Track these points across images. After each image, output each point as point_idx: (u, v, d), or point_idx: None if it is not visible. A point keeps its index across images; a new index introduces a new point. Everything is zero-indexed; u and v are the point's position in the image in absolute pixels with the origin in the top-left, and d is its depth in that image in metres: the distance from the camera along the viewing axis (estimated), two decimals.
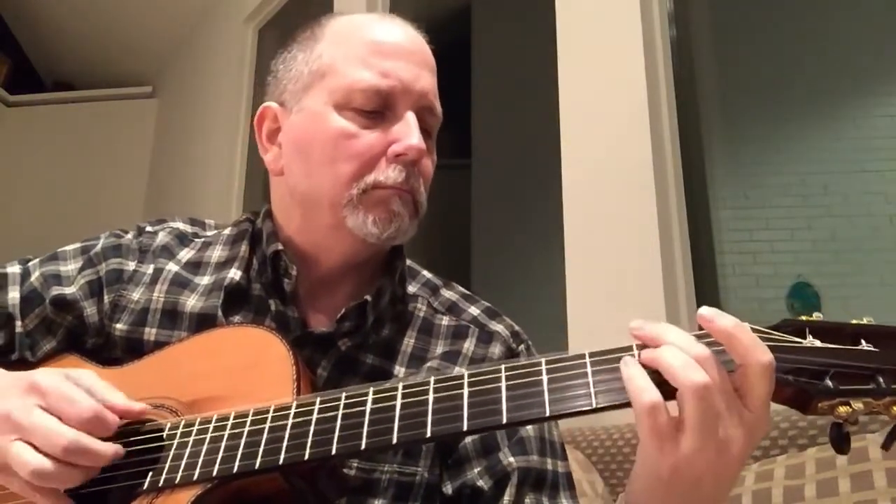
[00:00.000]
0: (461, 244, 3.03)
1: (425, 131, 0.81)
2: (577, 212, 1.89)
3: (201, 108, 3.98)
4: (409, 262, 0.92)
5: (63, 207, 4.34)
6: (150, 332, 0.82)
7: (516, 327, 0.90)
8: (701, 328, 0.58)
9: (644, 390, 0.54)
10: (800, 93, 2.20)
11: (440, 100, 0.85)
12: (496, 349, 0.85)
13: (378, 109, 0.79)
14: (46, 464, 0.62)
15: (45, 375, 0.67)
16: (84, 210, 4.30)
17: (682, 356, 0.55)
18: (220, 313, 0.81)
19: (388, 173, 0.78)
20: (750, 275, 2.09)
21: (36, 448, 0.62)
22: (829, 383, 0.55)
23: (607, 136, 1.88)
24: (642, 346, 0.59)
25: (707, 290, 1.79)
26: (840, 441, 0.56)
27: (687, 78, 1.98)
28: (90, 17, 4.41)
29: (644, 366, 0.56)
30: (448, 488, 0.79)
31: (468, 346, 0.85)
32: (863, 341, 0.58)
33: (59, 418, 0.64)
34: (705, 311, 0.57)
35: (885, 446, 0.57)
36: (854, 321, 0.60)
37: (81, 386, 0.67)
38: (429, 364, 0.83)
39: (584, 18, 2.04)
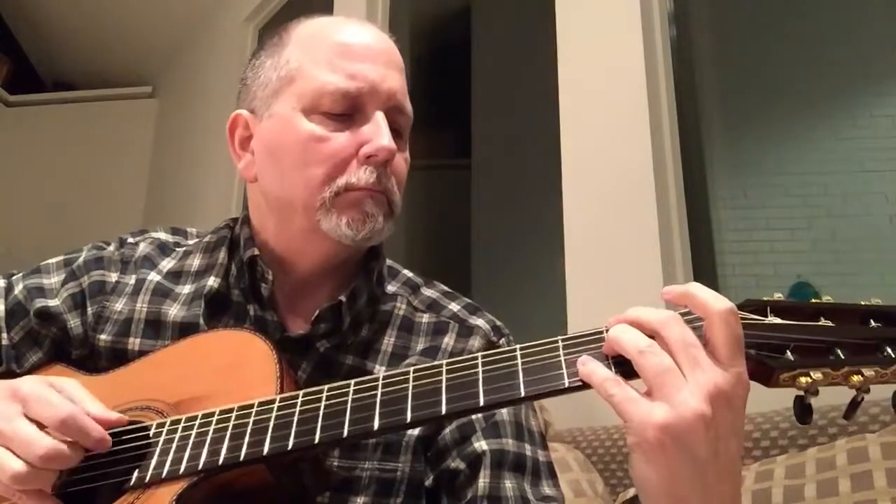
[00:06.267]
0: (461, 244, 3.03)
1: (396, 131, 0.82)
2: (577, 212, 1.89)
3: (201, 108, 3.97)
4: (389, 261, 0.93)
5: (63, 207, 4.33)
6: (135, 343, 0.83)
7: (497, 322, 0.90)
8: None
9: (597, 375, 0.56)
10: (800, 93, 2.20)
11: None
12: (475, 342, 0.85)
13: (347, 112, 0.80)
14: (24, 470, 0.63)
15: (28, 383, 0.68)
16: (84, 210, 4.30)
17: (623, 328, 0.57)
18: (202, 322, 0.82)
19: (360, 174, 0.78)
20: (750, 275, 2.09)
21: (16, 454, 0.64)
22: (790, 356, 0.57)
23: (607, 135, 1.88)
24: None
25: None
26: (803, 413, 0.58)
27: (687, 78, 1.98)
28: (90, 17, 4.41)
29: (608, 356, 0.58)
30: (429, 481, 0.80)
31: (448, 340, 0.85)
32: (821, 318, 0.60)
33: (40, 424, 0.65)
34: (664, 289, 0.60)
35: (847, 417, 0.60)
36: (813, 300, 0.62)
37: (63, 393, 0.68)
38: (409, 361, 0.83)
39: (583, 18, 2.04)
